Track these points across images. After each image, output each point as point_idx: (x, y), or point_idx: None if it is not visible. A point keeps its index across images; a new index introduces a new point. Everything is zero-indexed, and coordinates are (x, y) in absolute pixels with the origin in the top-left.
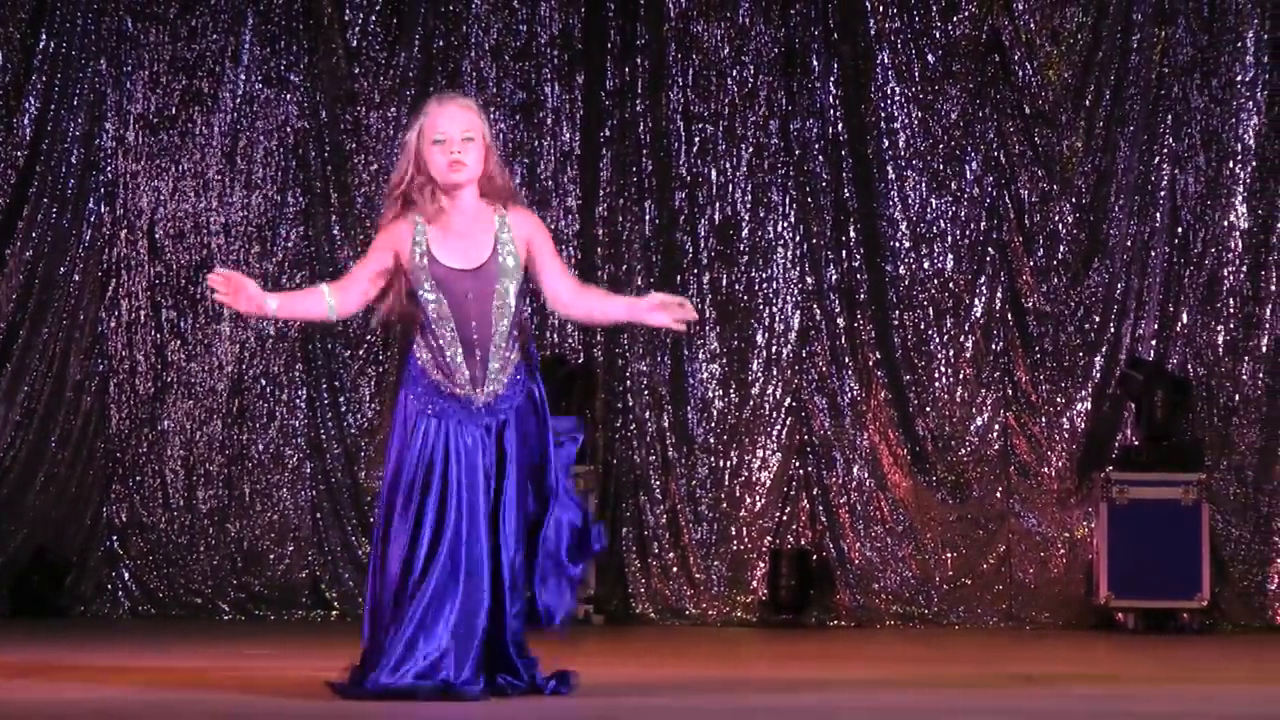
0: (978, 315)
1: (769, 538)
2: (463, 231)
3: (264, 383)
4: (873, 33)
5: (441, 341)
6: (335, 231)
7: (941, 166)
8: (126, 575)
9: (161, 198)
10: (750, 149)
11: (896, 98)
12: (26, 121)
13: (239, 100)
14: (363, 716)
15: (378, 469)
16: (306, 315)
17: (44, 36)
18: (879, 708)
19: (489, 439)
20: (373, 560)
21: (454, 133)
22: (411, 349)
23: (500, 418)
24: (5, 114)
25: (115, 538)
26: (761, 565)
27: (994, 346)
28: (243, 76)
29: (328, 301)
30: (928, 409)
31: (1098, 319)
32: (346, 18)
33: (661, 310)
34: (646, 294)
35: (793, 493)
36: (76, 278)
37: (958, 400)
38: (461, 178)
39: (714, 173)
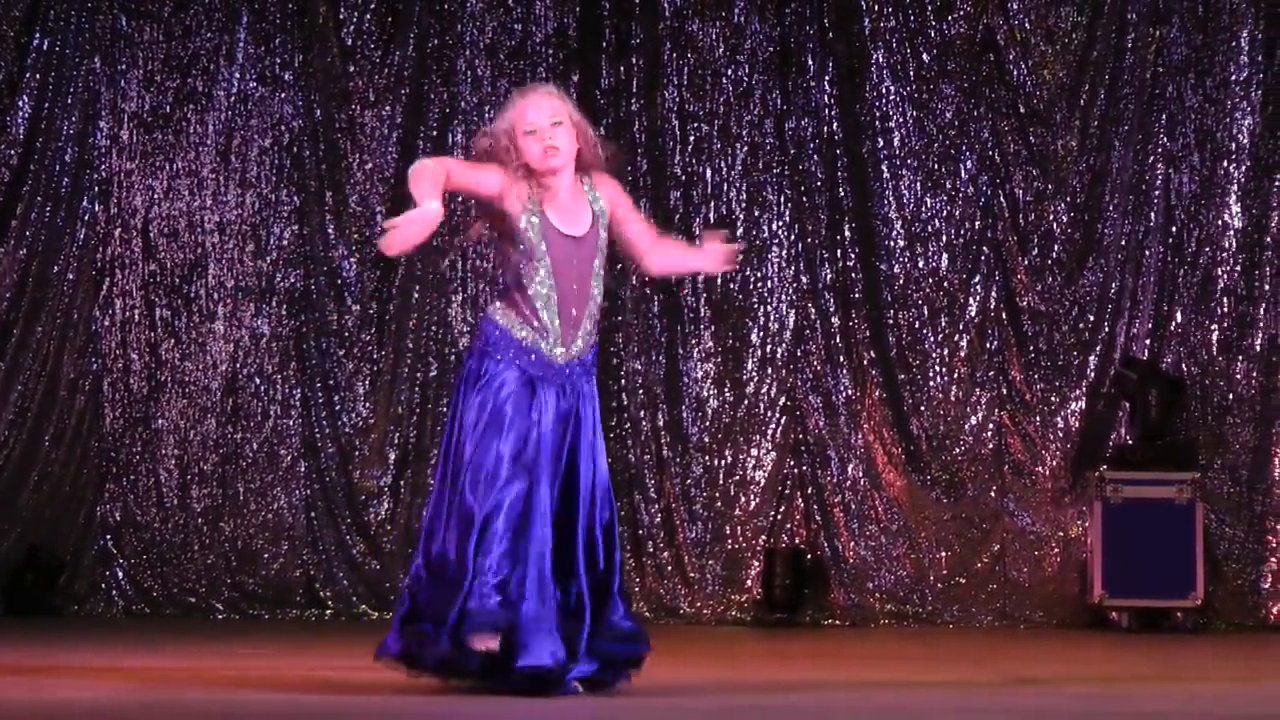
0: (972, 314)
1: (764, 537)
2: (567, 204)
3: (258, 381)
4: (868, 32)
5: (539, 302)
6: (329, 230)
7: (936, 165)
8: (120, 574)
9: (156, 196)
10: (745, 148)
11: (891, 97)
12: (20, 120)
13: (233, 99)
14: (366, 715)
15: (372, 468)
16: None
17: (38, 35)
18: (873, 707)
19: (566, 395)
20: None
21: (543, 121)
22: (489, 318)
23: (579, 379)
24: None
25: (109, 537)
26: (756, 564)
27: (988, 345)
28: (237, 75)
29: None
30: (922, 408)
31: (1092, 318)
32: (341, 16)
33: (721, 255)
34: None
35: (787, 492)
36: (70, 276)
37: (952, 399)
38: (559, 162)
39: (709, 171)
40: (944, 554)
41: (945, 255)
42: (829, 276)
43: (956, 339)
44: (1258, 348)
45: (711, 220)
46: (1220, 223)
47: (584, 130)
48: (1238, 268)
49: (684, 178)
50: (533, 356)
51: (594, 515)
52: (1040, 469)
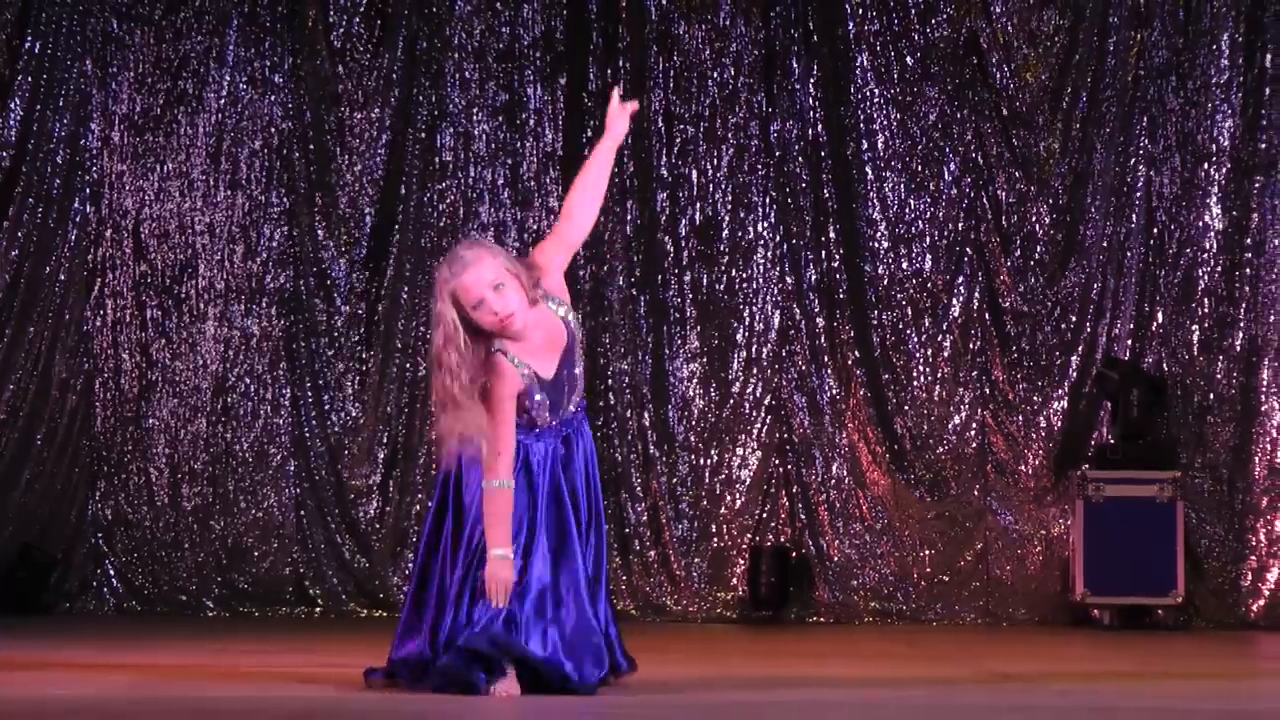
0: (955, 315)
1: (749, 535)
2: (538, 340)
3: (248, 381)
4: (852, 35)
5: (534, 413)
6: (319, 231)
7: (920, 167)
8: (112, 572)
9: (146, 198)
10: (731, 150)
11: (875, 99)
12: (12, 122)
13: (223, 101)
14: (364, 714)
15: (361, 466)
16: None
17: (29, 37)
18: (858, 703)
19: (560, 444)
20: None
21: (485, 291)
22: None
23: (571, 428)
24: None
25: (100, 535)
26: (742, 562)
27: (971, 346)
28: (227, 78)
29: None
30: (906, 408)
31: (1074, 318)
32: (330, 20)
33: (617, 118)
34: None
35: (772, 490)
36: (62, 277)
37: (936, 399)
38: (518, 323)
39: (694, 173)
40: (928, 552)
41: (929, 256)
42: (814, 277)
43: (940, 339)
44: (1238, 348)
45: (697, 222)
46: (1201, 224)
47: (518, 271)
48: (1218, 269)
49: (670, 179)
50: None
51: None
52: (1023, 468)
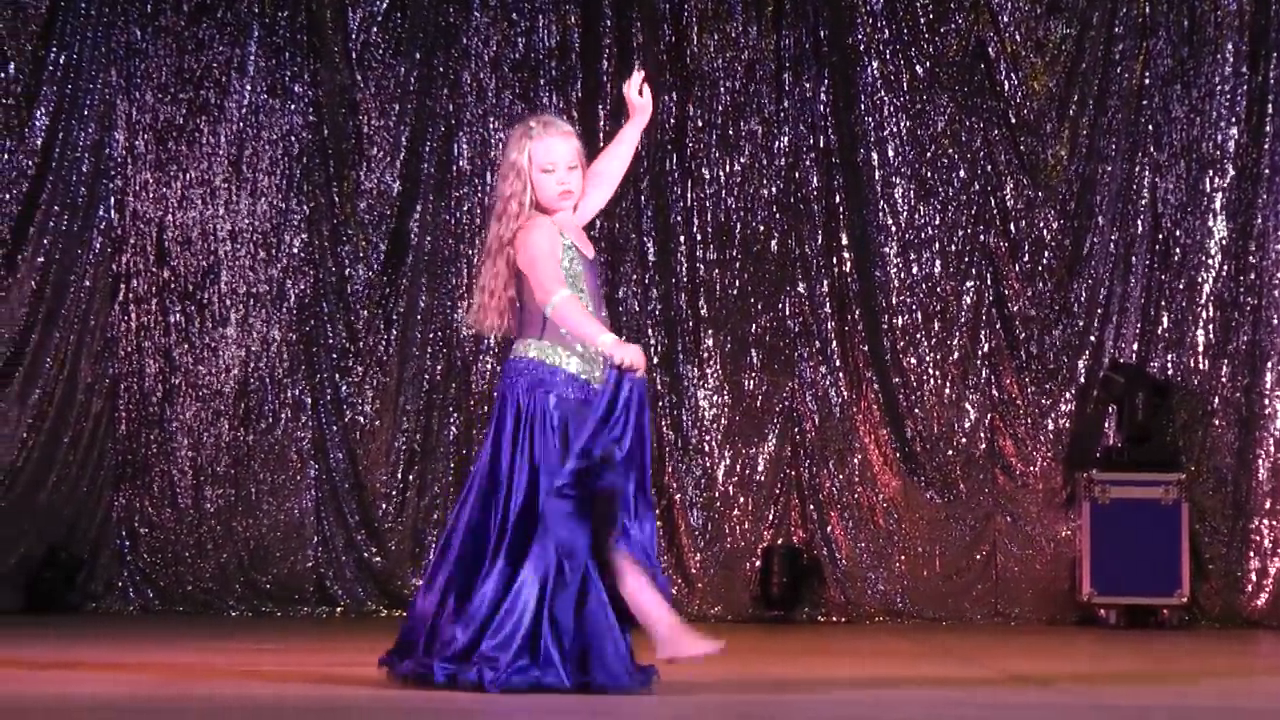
0: (964, 319)
1: (762, 535)
2: (576, 229)
3: (269, 385)
4: (862, 45)
5: (585, 283)
6: (339, 238)
7: (929, 174)
8: (136, 573)
9: (169, 205)
10: (743, 157)
11: (885, 107)
12: (38, 131)
13: (245, 110)
14: (369, 713)
15: (380, 468)
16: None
17: (54, 48)
18: (868, 701)
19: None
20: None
21: (562, 162)
22: (528, 355)
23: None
24: (17, 124)
25: (125, 536)
26: (753, 562)
27: (980, 350)
28: (248, 87)
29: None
30: (916, 410)
31: (1081, 323)
32: (349, 30)
33: (639, 101)
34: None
35: (784, 492)
36: (87, 283)
37: (945, 402)
38: (570, 204)
39: (708, 179)
40: (937, 553)
41: (938, 261)
42: (825, 282)
43: (949, 343)
44: (1241, 352)
45: (710, 229)
46: (1205, 230)
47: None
48: (1222, 274)
49: (683, 187)
50: (582, 390)
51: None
52: (1031, 470)
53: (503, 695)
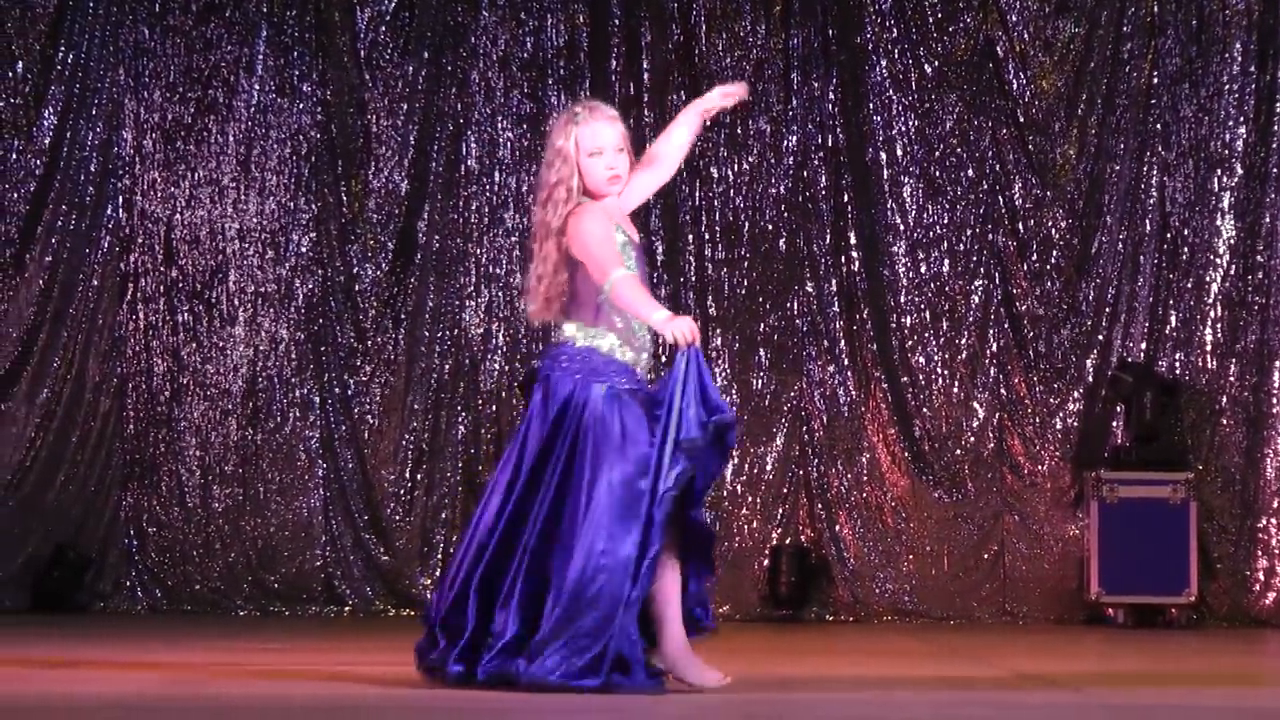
0: (973, 318)
1: (769, 534)
2: (624, 216)
3: (277, 384)
4: (870, 44)
5: (635, 321)
6: (347, 237)
7: (938, 173)
8: (144, 572)
9: (178, 204)
10: (752, 155)
11: (894, 106)
12: (46, 130)
13: (253, 109)
14: (378, 712)
15: (388, 467)
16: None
17: (62, 48)
18: (876, 701)
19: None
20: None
21: (610, 145)
22: (580, 343)
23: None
24: (25, 123)
25: (133, 535)
26: (762, 561)
27: (989, 349)
28: (256, 86)
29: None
30: (924, 409)
31: (1089, 322)
32: (357, 29)
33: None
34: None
35: (792, 491)
36: (95, 282)
37: (953, 401)
38: (618, 188)
39: (716, 178)
40: (945, 552)
41: (947, 260)
42: (833, 281)
43: (958, 342)
44: (1249, 351)
45: (719, 228)
46: (1214, 229)
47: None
48: (1230, 273)
49: (691, 185)
50: (631, 380)
51: None
52: (1039, 469)
53: (509, 694)
